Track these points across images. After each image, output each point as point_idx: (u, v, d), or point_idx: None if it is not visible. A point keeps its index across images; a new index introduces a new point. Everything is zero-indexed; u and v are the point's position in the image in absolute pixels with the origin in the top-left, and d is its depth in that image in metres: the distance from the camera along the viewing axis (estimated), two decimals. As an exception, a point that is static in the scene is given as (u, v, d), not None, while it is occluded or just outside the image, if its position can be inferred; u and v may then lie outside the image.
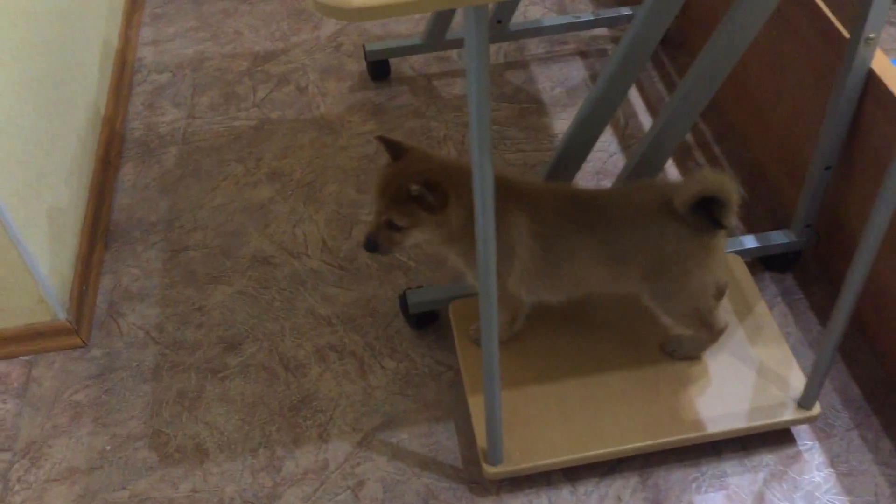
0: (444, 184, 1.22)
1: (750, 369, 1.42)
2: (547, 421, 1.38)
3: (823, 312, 1.60)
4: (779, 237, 1.61)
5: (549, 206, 1.29)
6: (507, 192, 1.26)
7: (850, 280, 1.16)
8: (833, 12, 1.41)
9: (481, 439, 1.35)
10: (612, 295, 1.44)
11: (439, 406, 1.51)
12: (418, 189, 1.20)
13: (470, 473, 1.42)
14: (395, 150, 1.28)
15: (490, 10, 2.04)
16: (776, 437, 1.43)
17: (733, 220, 1.23)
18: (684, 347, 1.44)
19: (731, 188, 1.20)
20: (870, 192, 1.44)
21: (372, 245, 1.27)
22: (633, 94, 2.09)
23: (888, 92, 1.31)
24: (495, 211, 1.21)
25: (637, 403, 1.39)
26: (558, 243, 1.29)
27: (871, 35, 1.28)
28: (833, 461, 1.40)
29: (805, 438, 1.43)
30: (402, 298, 1.60)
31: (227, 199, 1.91)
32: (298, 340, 1.63)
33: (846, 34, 1.37)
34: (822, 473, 1.39)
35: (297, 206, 1.88)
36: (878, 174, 1.41)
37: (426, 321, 1.62)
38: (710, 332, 1.40)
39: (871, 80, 1.34)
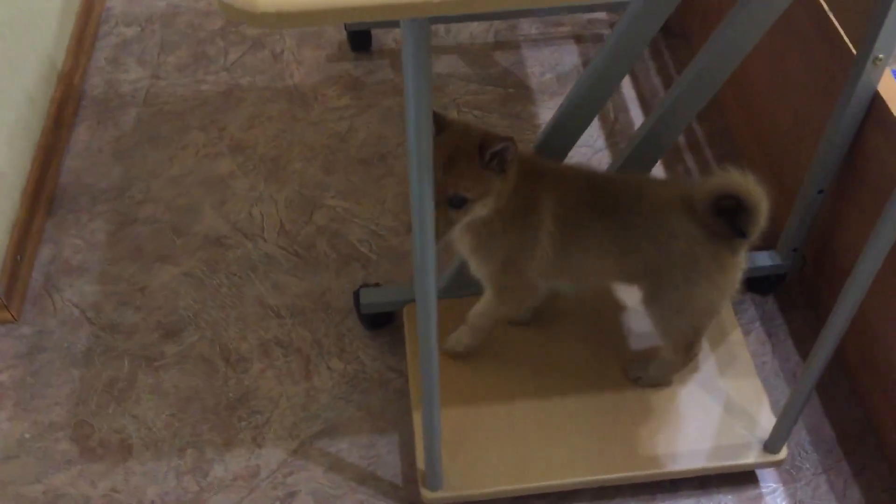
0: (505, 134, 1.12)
1: (717, 403, 1.32)
2: (494, 445, 1.29)
3: (803, 341, 1.50)
4: (764, 258, 1.50)
5: (570, 188, 1.19)
6: (535, 174, 1.17)
7: (832, 325, 1.06)
8: (842, 25, 1.28)
9: (421, 460, 1.26)
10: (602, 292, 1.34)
11: (384, 416, 1.42)
12: (504, 145, 1.07)
13: (409, 493, 1.33)
14: (438, 122, 1.14)
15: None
16: (738, 477, 1.33)
17: (757, 230, 1.12)
18: (650, 374, 1.34)
19: (757, 192, 1.09)
20: (863, 220, 1.33)
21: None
22: (626, 85, 1.97)
23: (894, 117, 1.19)
24: (524, 193, 1.15)
25: (593, 432, 1.29)
26: (574, 228, 1.18)
27: (881, 56, 1.15)
28: (797, 508, 1.31)
29: (769, 480, 1.34)
30: (357, 295, 1.49)
31: (184, 169, 1.79)
32: (243, 332, 1.53)
33: (854, 50, 1.25)
34: (783, 521, 1.30)
35: (257, 183, 1.77)
36: (874, 203, 1.29)
37: (380, 322, 1.52)
38: (685, 357, 1.30)
39: (876, 103, 1.22)
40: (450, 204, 1.10)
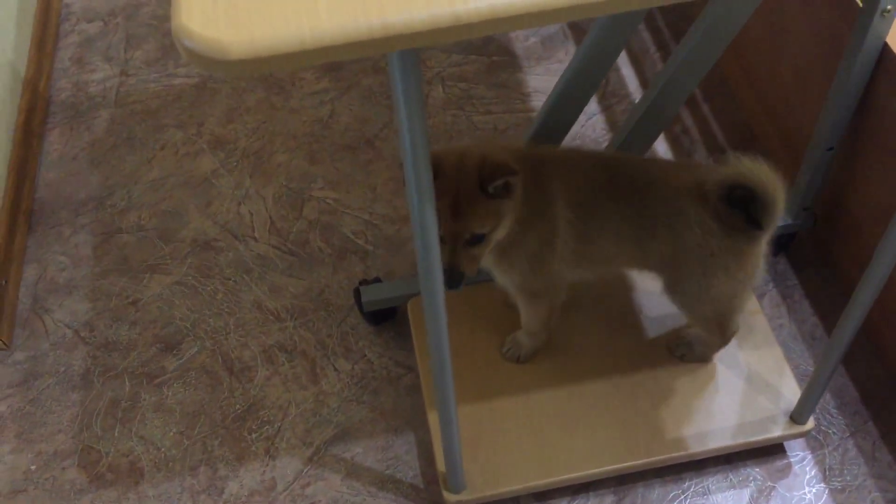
0: (503, 157, 1.05)
1: (738, 378, 1.29)
2: (514, 440, 1.25)
3: (818, 300, 1.46)
4: (772, 219, 1.45)
5: (580, 172, 1.13)
6: (541, 166, 1.11)
7: (858, 300, 1.02)
8: (844, -26, 1.22)
9: (441, 462, 1.22)
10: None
11: (397, 415, 1.38)
12: (504, 179, 1.02)
13: (431, 494, 1.30)
14: (433, 165, 1.09)
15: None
16: (765, 448, 1.30)
17: (773, 221, 1.07)
18: (695, 350, 1.30)
19: (772, 181, 1.03)
20: (875, 176, 1.28)
21: (458, 278, 1.06)
22: (615, 44, 1.89)
23: (905, 70, 1.14)
24: (534, 188, 1.10)
25: (614, 419, 1.26)
26: (590, 212, 1.13)
27: (889, 7, 1.09)
28: (826, 475, 1.29)
29: (796, 449, 1.31)
30: (357, 293, 1.44)
31: (164, 171, 1.72)
32: (244, 339, 1.48)
33: (860, 2, 1.18)
34: (813, 489, 1.27)
35: (242, 179, 1.70)
36: (888, 159, 1.24)
37: (383, 317, 1.47)
38: (723, 336, 1.26)
39: (886, 55, 1.16)
40: (468, 243, 1.06)
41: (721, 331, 1.24)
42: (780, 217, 1.07)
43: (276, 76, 1.86)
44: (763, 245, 1.13)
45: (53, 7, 2.00)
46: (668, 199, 1.11)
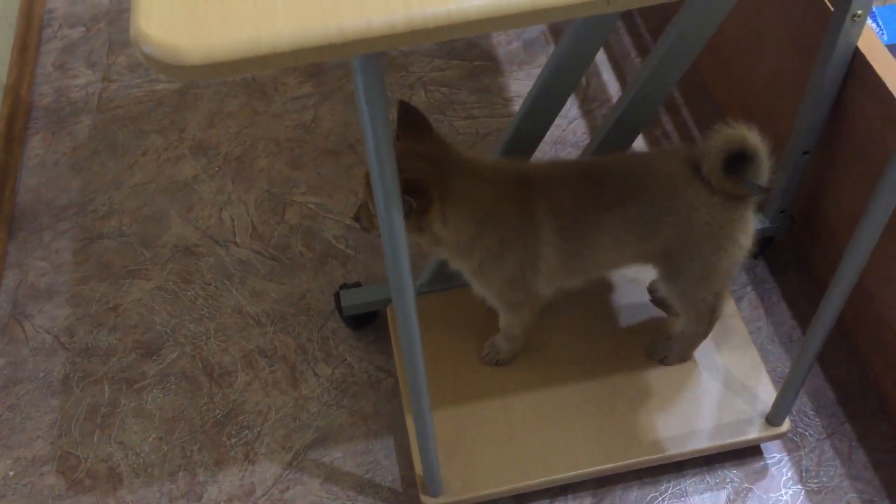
0: (426, 186, 1.03)
1: (715, 381, 1.30)
2: (491, 443, 1.25)
3: (796, 303, 1.47)
4: (750, 222, 1.46)
5: (567, 191, 1.12)
6: (527, 189, 1.10)
7: (829, 301, 1.03)
8: (816, -21, 1.23)
9: (418, 466, 1.23)
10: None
11: (377, 419, 1.38)
12: (408, 204, 1.02)
13: (409, 497, 1.30)
14: (407, 124, 1.08)
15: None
16: (742, 450, 1.31)
17: (767, 174, 1.08)
18: (675, 350, 1.30)
19: (754, 137, 1.04)
20: (850, 179, 1.29)
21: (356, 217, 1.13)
22: (596, 49, 1.90)
23: (876, 74, 1.15)
24: (515, 210, 1.09)
25: (591, 421, 1.26)
26: (580, 230, 1.13)
27: (859, 12, 1.10)
28: (803, 476, 1.29)
29: (773, 451, 1.32)
30: (337, 297, 1.44)
31: (146, 177, 1.72)
32: (224, 344, 1.48)
33: (831, 7, 1.19)
34: (790, 491, 1.28)
35: (224, 184, 1.70)
36: (861, 162, 1.25)
37: (363, 322, 1.47)
38: (708, 326, 1.26)
39: (857, 60, 1.17)
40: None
41: (710, 315, 1.24)
42: (768, 168, 1.08)
43: (259, 80, 1.87)
44: (752, 207, 1.13)
45: (36, 12, 2.00)
46: (666, 190, 1.11)
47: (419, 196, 1.02)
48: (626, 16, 1.96)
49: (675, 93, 1.79)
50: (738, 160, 1.06)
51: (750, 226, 1.14)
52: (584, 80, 1.84)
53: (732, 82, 1.63)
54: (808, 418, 1.35)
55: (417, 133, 1.06)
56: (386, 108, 0.66)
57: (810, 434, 1.33)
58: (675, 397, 1.28)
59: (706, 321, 1.25)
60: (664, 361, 1.31)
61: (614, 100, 1.80)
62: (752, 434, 1.25)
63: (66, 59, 1.95)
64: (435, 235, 1.08)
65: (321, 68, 1.89)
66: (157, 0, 0.56)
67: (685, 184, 1.10)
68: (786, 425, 1.25)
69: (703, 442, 1.24)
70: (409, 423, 1.28)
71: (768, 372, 1.32)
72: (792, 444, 1.32)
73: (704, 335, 1.28)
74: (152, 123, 1.81)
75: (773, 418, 1.24)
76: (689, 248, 1.13)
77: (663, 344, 1.31)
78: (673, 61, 1.18)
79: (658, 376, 1.30)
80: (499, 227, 1.09)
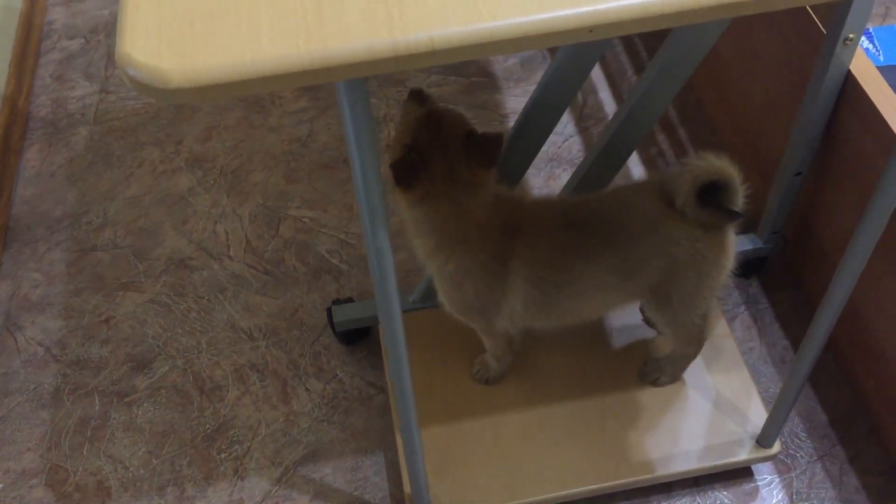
0: (418, 153, 1.01)
1: (705, 400, 1.29)
2: (481, 461, 1.25)
3: (789, 323, 1.47)
4: (745, 242, 1.46)
5: (551, 243, 1.10)
6: (511, 229, 1.09)
7: (819, 323, 1.03)
8: (809, 4, 1.23)
9: (407, 484, 1.22)
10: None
11: (368, 436, 1.38)
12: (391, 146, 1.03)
13: (398, 515, 1.30)
14: (421, 98, 1.10)
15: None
16: (733, 471, 1.31)
17: (742, 202, 1.08)
18: (666, 371, 1.30)
19: (725, 167, 1.04)
20: (842, 200, 1.29)
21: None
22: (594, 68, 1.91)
23: (867, 97, 1.15)
24: (491, 250, 1.08)
25: (581, 441, 1.26)
26: (560, 282, 1.12)
27: (851, 36, 1.11)
28: (793, 498, 1.29)
29: (764, 472, 1.31)
30: (330, 312, 1.44)
31: (141, 189, 1.72)
32: (215, 358, 1.48)
33: (824, 30, 1.20)
34: (780, 513, 1.28)
35: (219, 198, 1.70)
36: (853, 184, 1.26)
37: (356, 337, 1.47)
38: (698, 346, 1.26)
39: (849, 83, 1.18)
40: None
41: (699, 335, 1.23)
42: (742, 195, 1.08)
43: (256, 94, 1.87)
44: (732, 230, 1.13)
45: (35, 24, 2.00)
46: (647, 229, 1.10)
47: (408, 151, 1.01)
48: (624, 35, 1.97)
49: (671, 111, 1.79)
50: (711, 189, 1.05)
51: (731, 248, 1.13)
52: (580, 97, 1.85)
53: (728, 102, 1.64)
54: (800, 440, 1.35)
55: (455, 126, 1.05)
56: (372, 128, 0.66)
57: (801, 456, 1.33)
58: (665, 417, 1.28)
59: (696, 342, 1.25)
60: (656, 383, 1.31)
61: (610, 118, 1.81)
62: (743, 455, 1.25)
63: (64, 70, 1.95)
64: (405, 214, 1.08)
65: (317, 84, 1.89)
66: (143, 23, 0.56)
67: (664, 220, 1.09)
68: (777, 447, 1.25)
69: (692, 463, 1.24)
70: (399, 440, 1.28)
71: (760, 393, 1.31)
72: (783, 465, 1.32)
73: (695, 356, 1.28)
74: (149, 136, 1.81)
75: (763, 440, 1.24)
76: (674, 280, 1.12)
77: (653, 366, 1.31)
78: (667, 80, 1.18)
79: (648, 396, 1.30)
80: (465, 255, 1.07)
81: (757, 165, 1.54)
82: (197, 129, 1.82)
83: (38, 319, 1.54)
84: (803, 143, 1.27)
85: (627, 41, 1.96)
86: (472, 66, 1.92)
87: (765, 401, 1.31)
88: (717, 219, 1.08)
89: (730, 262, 1.14)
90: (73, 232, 1.66)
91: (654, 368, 1.31)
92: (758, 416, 1.27)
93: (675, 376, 1.31)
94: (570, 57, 1.17)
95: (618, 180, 1.37)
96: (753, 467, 1.31)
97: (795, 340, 1.45)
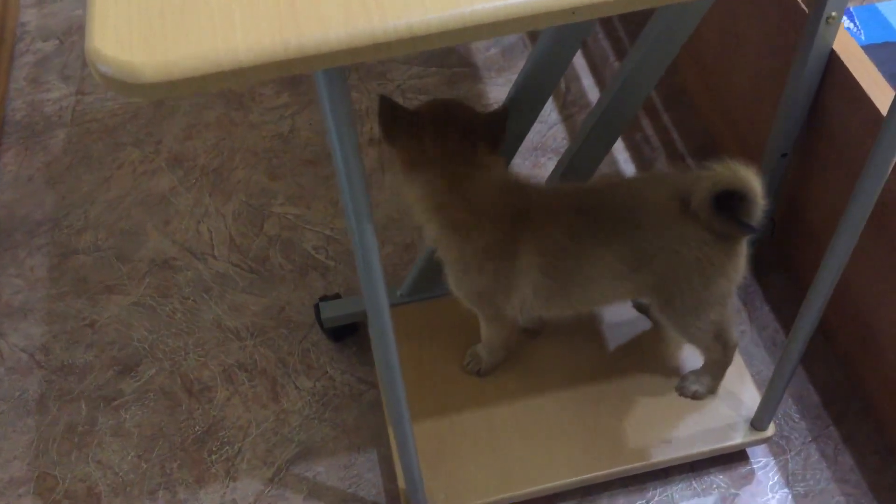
0: (401, 115, 1.02)
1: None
2: (475, 454, 1.24)
3: (780, 307, 1.47)
4: (731, 225, 1.45)
5: (560, 230, 1.08)
6: (519, 217, 1.07)
7: (810, 305, 1.02)
8: (791, -19, 1.23)
9: (402, 479, 1.21)
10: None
11: (360, 432, 1.36)
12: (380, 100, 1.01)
13: (393, 511, 1.28)
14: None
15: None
16: (728, 455, 1.30)
17: (759, 215, 1.04)
18: (703, 382, 1.27)
19: (749, 179, 1.00)
20: (829, 181, 1.29)
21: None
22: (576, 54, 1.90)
23: (851, 77, 1.14)
24: (499, 236, 1.06)
25: (575, 430, 1.25)
26: (569, 268, 1.10)
27: (833, 14, 1.10)
28: (789, 480, 1.29)
29: (759, 455, 1.31)
30: (317, 309, 1.42)
31: (122, 190, 1.70)
32: (203, 359, 1.46)
33: (805, 9, 1.19)
34: (776, 495, 1.27)
35: (201, 197, 1.68)
36: (839, 163, 1.25)
37: (344, 333, 1.46)
38: (726, 350, 1.23)
39: (833, 62, 1.17)
40: None
41: (716, 342, 1.21)
42: (761, 209, 1.04)
43: (236, 91, 1.85)
44: (744, 240, 1.11)
45: (8, 26, 1.97)
46: (658, 224, 1.08)
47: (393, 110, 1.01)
48: (605, 20, 1.96)
49: (656, 96, 1.78)
50: (730, 197, 1.02)
51: (741, 260, 1.11)
52: (563, 85, 1.84)
53: (712, 85, 1.63)
54: (794, 422, 1.34)
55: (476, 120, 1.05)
56: (351, 119, 0.64)
57: (796, 437, 1.33)
58: (657, 405, 1.27)
59: (717, 350, 1.22)
60: (695, 396, 1.28)
61: (594, 105, 1.79)
62: (738, 439, 1.24)
63: (39, 72, 1.92)
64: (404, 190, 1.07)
65: (298, 78, 1.87)
66: (112, 17, 0.54)
67: (676, 217, 1.06)
68: (771, 429, 1.24)
69: (688, 448, 1.24)
70: (392, 435, 1.27)
71: (753, 376, 1.31)
72: (778, 447, 1.32)
73: (725, 361, 1.25)
74: (128, 136, 1.79)
75: (757, 422, 1.24)
76: (679, 281, 1.10)
77: (692, 379, 1.28)
78: (650, 63, 1.17)
79: (641, 384, 1.29)
80: (473, 240, 1.07)
81: (742, 148, 1.53)
82: (176, 128, 1.80)
83: (21, 325, 1.51)
84: (788, 124, 1.26)
85: (609, 27, 1.95)
86: (453, 56, 1.90)
87: (757, 384, 1.31)
88: (729, 228, 1.05)
89: (738, 274, 1.12)
90: (54, 236, 1.63)
91: (690, 380, 1.28)
92: (751, 399, 1.27)
93: (713, 388, 1.28)
94: (551, 43, 1.16)
95: (603, 167, 1.36)
96: (748, 450, 1.31)
97: (786, 322, 1.45)
